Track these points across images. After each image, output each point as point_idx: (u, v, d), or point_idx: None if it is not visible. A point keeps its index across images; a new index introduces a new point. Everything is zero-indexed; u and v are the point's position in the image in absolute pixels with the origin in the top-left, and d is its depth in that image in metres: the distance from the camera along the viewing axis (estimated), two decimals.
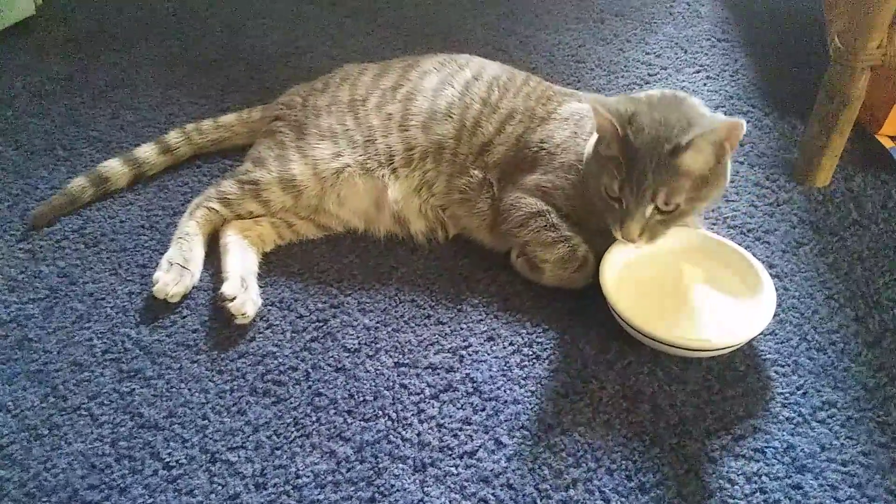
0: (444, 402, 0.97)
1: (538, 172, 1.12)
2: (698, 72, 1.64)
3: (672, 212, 1.01)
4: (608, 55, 1.70)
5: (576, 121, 1.14)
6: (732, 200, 1.29)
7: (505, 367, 1.02)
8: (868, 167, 1.35)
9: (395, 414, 0.96)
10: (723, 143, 0.98)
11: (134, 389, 0.99)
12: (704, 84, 1.59)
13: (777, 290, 1.05)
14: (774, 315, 1.01)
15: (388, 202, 1.17)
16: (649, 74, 1.63)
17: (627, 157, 0.98)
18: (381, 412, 0.96)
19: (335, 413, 0.96)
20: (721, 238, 1.13)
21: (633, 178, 0.98)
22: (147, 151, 1.30)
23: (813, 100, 1.28)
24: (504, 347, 1.04)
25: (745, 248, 1.11)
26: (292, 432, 0.94)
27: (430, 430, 0.94)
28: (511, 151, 1.15)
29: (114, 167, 1.28)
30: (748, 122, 1.45)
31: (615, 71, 1.64)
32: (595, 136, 1.05)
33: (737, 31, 1.79)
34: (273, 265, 1.17)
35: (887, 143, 1.39)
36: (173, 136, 1.32)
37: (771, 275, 1.06)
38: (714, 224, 1.25)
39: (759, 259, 1.08)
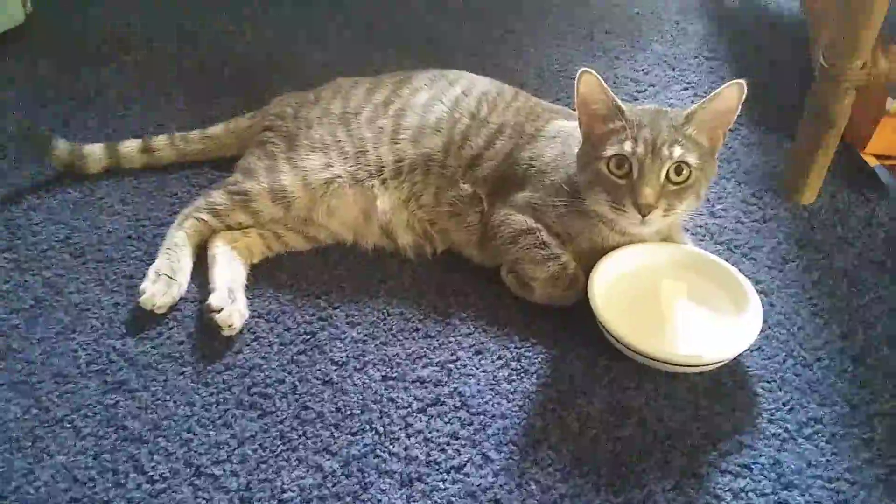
0: (432, 416, 0.97)
1: (528, 190, 1.12)
2: (686, 89, 1.65)
3: (684, 181, 1.00)
4: (597, 71, 1.67)
5: (563, 139, 1.15)
6: (719, 217, 1.30)
7: (493, 382, 1.01)
8: (853, 185, 1.37)
9: (382, 428, 0.95)
10: (724, 117, 1.01)
11: (118, 402, 0.98)
12: (692, 101, 1.61)
13: (763, 305, 1.05)
14: (761, 331, 1.02)
15: (376, 213, 1.17)
16: (637, 91, 1.65)
17: (632, 122, 1.00)
18: (368, 426, 0.96)
19: (322, 427, 0.95)
20: (708, 254, 1.14)
21: (646, 137, 0.98)
22: (129, 146, 1.34)
23: (799, 117, 1.30)
24: (492, 361, 1.04)
25: (732, 265, 1.12)
26: (278, 446, 0.93)
27: (417, 445, 0.94)
28: (501, 167, 1.15)
29: (94, 151, 1.33)
30: (735, 139, 1.47)
31: None
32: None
33: (724, 48, 1.81)
34: (261, 277, 1.16)
35: (872, 161, 1.41)
36: (159, 139, 1.35)
37: (757, 291, 1.07)
38: (701, 240, 1.25)
39: (745, 275, 1.09)
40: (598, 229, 1.09)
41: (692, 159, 1.00)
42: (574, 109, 1.07)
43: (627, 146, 0.99)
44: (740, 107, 1.01)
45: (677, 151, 0.99)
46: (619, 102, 1.02)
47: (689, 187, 1.01)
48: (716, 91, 1.00)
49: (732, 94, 1.00)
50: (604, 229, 1.08)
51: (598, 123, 1.04)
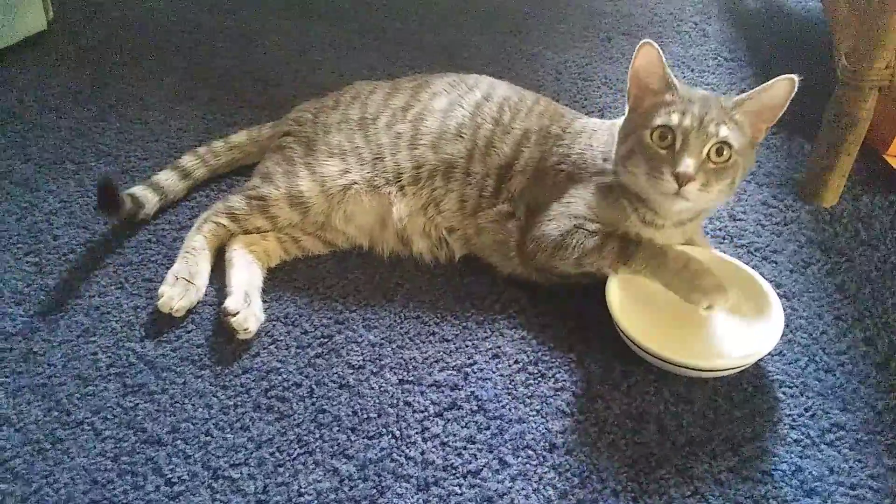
0: (449, 420, 0.97)
1: (561, 201, 1.11)
2: (705, 90, 1.64)
3: (725, 161, 1.00)
4: (615, 73, 1.71)
5: (589, 133, 1.15)
6: (740, 219, 1.29)
7: (510, 386, 1.01)
8: (876, 187, 1.35)
9: (398, 432, 0.95)
10: (771, 111, 1.02)
11: (137, 404, 0.98)
12: None
13: (785, 310, 1.04)
14: (782, 335, 1.01)
15: (392, 220, 1.17)
16: None
17: (683, 97, 1.01)
18: (384, 430, 0.96)
19: (338, 430, 0.95)
20: (728, 257, 1.12)
21: (694, 112, 0.99)
22: (168, 178, 1.28)
23: (820, 120, 1.28)
24: (509, 365, 1.04)
25: (753, 268, 1.10)
26: (295, 449, 0.93)
27: (433, 449, 0.93)
28: (532, 180, 1.14)
29: (143, 193, 1.25)
30: None
31: (622, 89, 1.64)
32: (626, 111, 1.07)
33: (743, 50, 1.79)
34: (278, 280, 1.17)
35: (895, 164, 1.39)
36: (188, 160, 1.31)
37: (778, 294, 1.06)
38: (721, 243, 1.24)
39: (766, 279, 1.08)
40: (629, 221, 1.07)
41: (735, 142, 1.00)
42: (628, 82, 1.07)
43: (675, 117, 1.00)
44: (787, 104, 1.01)
45: (723, 131, 0.99)
46: (674, 78, 1.03)
47: (728, 169, 1.01)
48: (767, 83, 1.00)
49: (783, 88, 1.00)
50: (633, 219, 1.07)
51: (649, 96, 1.04)
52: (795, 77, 0.98)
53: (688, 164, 0.97)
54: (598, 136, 1.14)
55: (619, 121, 1.11)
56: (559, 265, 1.09)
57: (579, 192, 1.10)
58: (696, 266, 1.03)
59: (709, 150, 0.99)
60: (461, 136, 1.17)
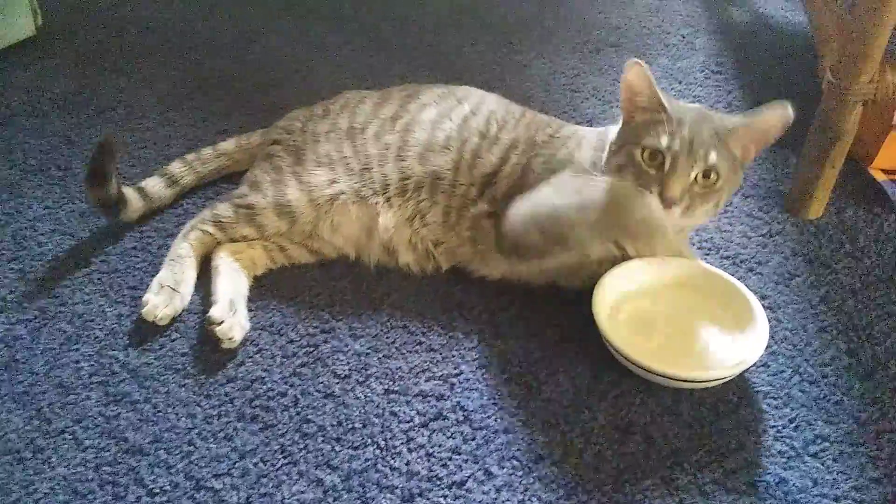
0: (434, 430, 0.96)
1: (544, 192, 1.10)
2: (692, 103, 1.65)
3: (711, 185, 1.01)
4: (604, 85, 1.72)
5: (577, 140, 1.16)
6: (726, 231, 1.30)
7: (496, 396, 1.01)
8: (860, 200, 1.36)
9: (383, 442, 0.95)
10: (763, 136, 1.04)
11: (120, 413, 0.97)
12: None
13: (770, 321, 1.04)
14: (767, 347, 1.01)
15: (378, 231, 1.17)
16: None
17: (673, 117, 1.01)
18: (369, 440, 0.95)
19: (323, 440, 0.95)
20: (713, 269, 1.13)
21: (684, 134, 1.00)
22: (155, 184, 1.28)
23: (806, 132, 1.29)
24: (495, 376, 1.04)
25: (738, 279, 1.11)
26: (279, 459, 0.93)
27: (419, 460, 0.93)
28: (517, 181, 1.14)
29: (132, 194, 1.24)
30: None
31: (610, 101, 1.65)
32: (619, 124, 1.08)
33: (731, 63, 1.81)
34: (264, 288, 1.16)
35: (879, 176, 1.40)
36: (176, 167, 1.31)
37: (763, 306, 1.06)
38: (707, 254, 1.25)
39: (751, 290, 1.08)
40: None
41: (723, 167, 1.01)
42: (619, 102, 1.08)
43: (664, 140, 1.00)
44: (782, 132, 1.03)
45: (712, 157, 1.00)
46: (663, 98, 1.03)
47: (714, 193, 1.02)
48: (762, 109, 1.02)
49: (776, 116, 1.02)
50: None
51: (640, 112, 1.05)
52: (789, 106, 1.00)
53: (674, 189, 1.00)
54: (586, 141, 1.15)
55: (611, 128, 1.11)
56: (529, 244, 1.07)
57: (562, 179, 1.09)
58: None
59: (696, 175, 1.00)
60: (448, 149, 1.17)
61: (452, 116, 1.21)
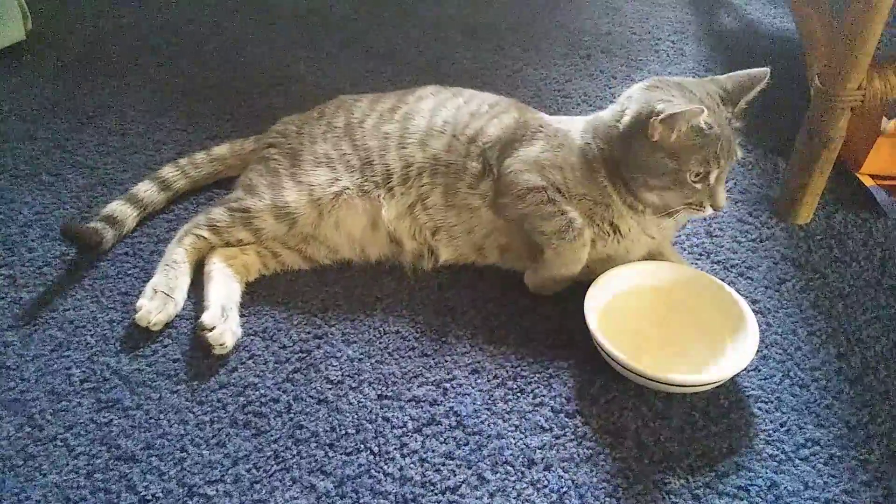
0: (427, 435, 0.97)
1: (537, 147, 1.13)
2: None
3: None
4: (594, 90, 1.72)
5: (567, 123, 1.19)
6: (716, 236, 1.30)
7: (489, 401, 1.01)
8: (849, 205, 1.37)
9: (377, 448, 0.95)
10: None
11: (112, 420, 0.97)
12: None
13: (760, 326, 1.05)
14: (757, 351, 1.02)
15: (384, 221, 1.17)
16: None
17: (716, 136, 1.03)
18: (362, 446, 0.95)
19: (316, 446, 0.95)
20: (704, 273, 1.14)
21: (724, 146, 1.04)
22: (147, 189, 1.28)
23: (794, 138, 1.30)
24: (488, 380, 1.04)
25: (729, 284, 1.12)
26: (272, 465, 0.92)
27: (412, 465, 0.93)
28: (508, 131, 1.17)
29: (121, 209, 1.24)
30: None
31: (601, 105, 1.65)
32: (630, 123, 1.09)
33: (719, 69, 1.82)
34: (257, 294, 1.16)
35: (868, 182, 1.41)
36: (169, 171, 1.31)
37: (754, 310, 1.07)
38: (698, 259, 1.25)
39: (741, 295, 1.09)
40: (611, 200, 1.11)
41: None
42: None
43: (713, 165, 1.04)
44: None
45: (739, 153, 1.08)
46: (701, 122, 1.02)
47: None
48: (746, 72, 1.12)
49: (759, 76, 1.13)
50: (616, 200, 1.11)
51: (682, 142, 1.05)
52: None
53: (722, 198, 1.07)
54: (576, 124, 1.17)
55: (602, 115, 1.15)
56: (511, 212, 1.13)
57: (559, 159, 1.12)
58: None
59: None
60: (443, 133, 1.19)
61: (448, 105, 1.23)
